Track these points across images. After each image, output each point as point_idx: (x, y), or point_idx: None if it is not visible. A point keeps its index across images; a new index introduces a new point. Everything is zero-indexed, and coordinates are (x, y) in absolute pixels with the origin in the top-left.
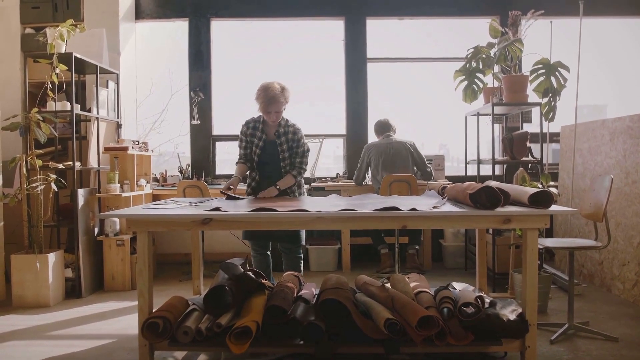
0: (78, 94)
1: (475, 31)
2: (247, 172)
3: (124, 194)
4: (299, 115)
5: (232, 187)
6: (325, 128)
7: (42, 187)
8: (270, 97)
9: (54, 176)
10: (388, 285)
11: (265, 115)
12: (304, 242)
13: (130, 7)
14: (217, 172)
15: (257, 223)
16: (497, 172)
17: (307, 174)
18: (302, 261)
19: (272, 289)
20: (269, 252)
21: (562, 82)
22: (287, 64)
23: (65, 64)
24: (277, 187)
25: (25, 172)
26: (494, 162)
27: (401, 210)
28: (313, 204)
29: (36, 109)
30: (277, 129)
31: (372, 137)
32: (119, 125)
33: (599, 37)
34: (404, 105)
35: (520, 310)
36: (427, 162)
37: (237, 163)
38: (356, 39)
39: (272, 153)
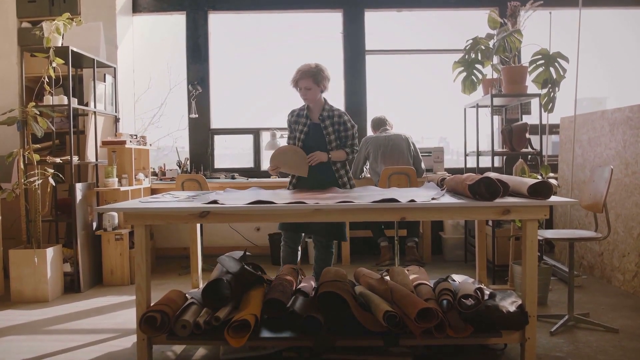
0: (75, 88)
1: (474, 24)
2: None
3: (122, 188)
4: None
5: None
6: None
7: (40, 181)
8: (300, 71)
9: (52, 171)
10: (387, 277)
11: (296, 89)
12: (346, 239)
13: (127, 0)
14: (216, 166)
15: (255, 216)
16: (496, 164)
17: None
18: (332, 255)
19: (270, 282)
20: (299, 248)
21: (562, 73)
22: (285, 57)
23: (62, 58)
24: (329, 155)
25: (22, 166)
26: (494, 153)
27: (400, 202)
28: (311, 197)
29: (33, 103)
30: (321, 112)
31: (370, 130)
32: (116, 119)
33: (597, 29)
34: (403, 98)
35: (520, 302)
36: (422, 156)
37: None
38: (354, 31)
39: (318, 137)
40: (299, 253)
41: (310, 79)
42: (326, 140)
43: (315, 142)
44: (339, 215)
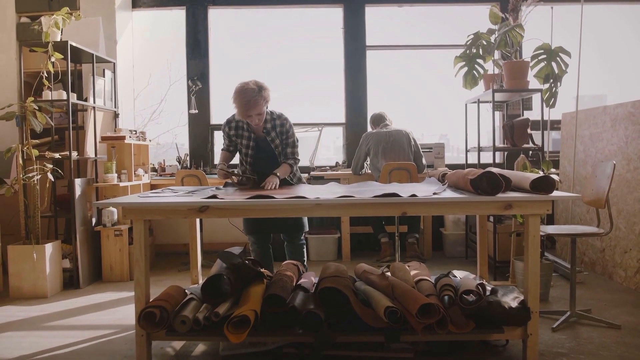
0: (74, 83)
1: (476, 18)
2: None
3: (121, 184)
4: (298, 105)
5: (225, 170)
6: (325, 117)
7: (39, 177)
8: (247, 101)
9: (51, 166)
10: (388, 273)
11: (246, 119)
12: (307, 229)
13: None
14: (216, 162)
15: (255, 210)
16: (497, 160)
17: (306, 163)
18: (305, 247)
19: (270, 278)
20: (270, 245)
21: (564, 68)
22: (285, 53)
23: (61, 53)
24: (277, 175)
25: (21, 162)
26: (495, 149)
27: (401, 196)
28: (312, 191)
29: (32, 99)
30: (265, 125)
31: (370, 127)
32: (116, 115)
33: (598, 25)
34: (404, 93)
35: (522, 298)
36: (422, 151)
37: (222, 150)
38: (355, 26)
39: (267, 150)
40: (271, 250)
41: (261, 103)
42: (275, 153)
43: (264, 153)
44: (340, 210)
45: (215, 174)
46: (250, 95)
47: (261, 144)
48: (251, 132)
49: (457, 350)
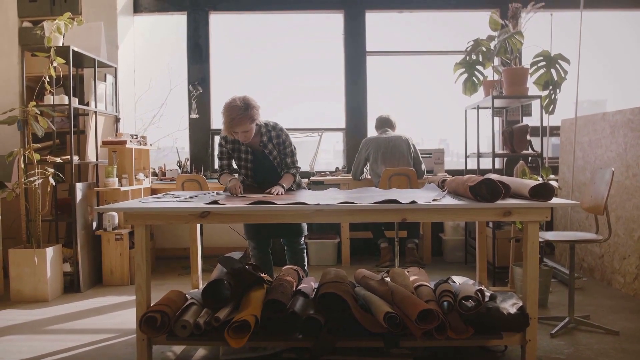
0: (76, 88)
1: (475, 25)
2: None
3: (122, 188)
4: (298, 109)
5: (238, 189)
6: (325, 122)
7: (40, 181)
8: (232, 119)
9: (52, 170)
10: (388, 279)
11: (231, 136)
12: (306, 233)
13: (128, 0)
14: (216, 167)
15: (256, 216)
16: (497, 166)
17: (306, 168)
18: (305, 252)
19: (271, 282)
20: (270, 250)
21: (563, 75)
22: (286, 58)
23: (63, 58)
24: (283, 185)
25: (23, 166)
26: (494, 155)
27: (401, 202)
28: (312, 197)
29: (34, 103)
30: (260, 138)
31: (371, 131)
32: (117, 119)
33: (597, 32)
34: (404, 99)
35: (520, 304)
36: (422, 157)
37: (220, 175)
38: (355, 32)
39: (265, 163)
40: (270, 256)
41: (246, 122)
42: (275, 165)
43: (263, 168)
44: (340, 215)
45: (216, 178)
46: (235, 113)
47: (259, 157)
48: (248, 146)
49: (456, 356)
